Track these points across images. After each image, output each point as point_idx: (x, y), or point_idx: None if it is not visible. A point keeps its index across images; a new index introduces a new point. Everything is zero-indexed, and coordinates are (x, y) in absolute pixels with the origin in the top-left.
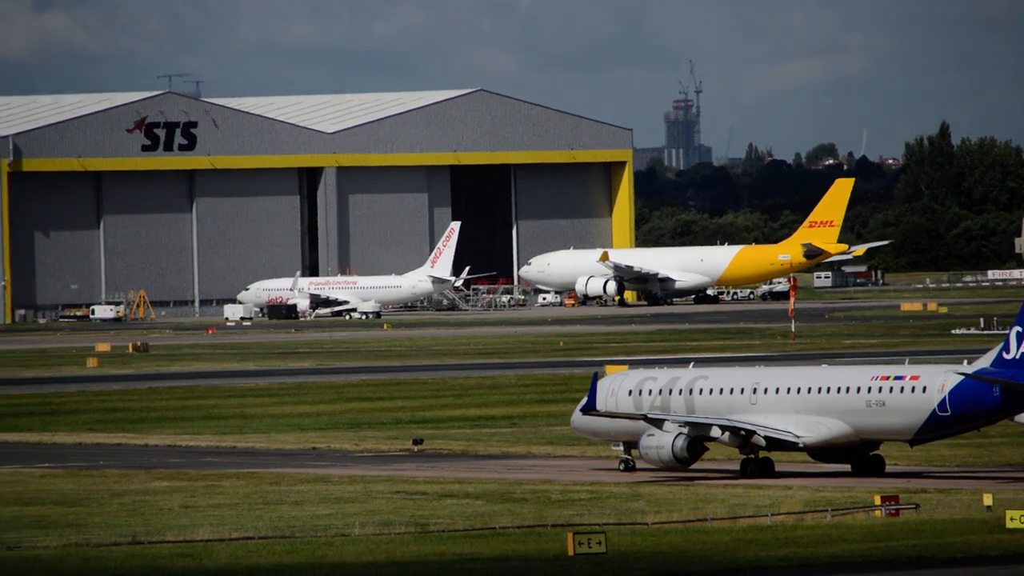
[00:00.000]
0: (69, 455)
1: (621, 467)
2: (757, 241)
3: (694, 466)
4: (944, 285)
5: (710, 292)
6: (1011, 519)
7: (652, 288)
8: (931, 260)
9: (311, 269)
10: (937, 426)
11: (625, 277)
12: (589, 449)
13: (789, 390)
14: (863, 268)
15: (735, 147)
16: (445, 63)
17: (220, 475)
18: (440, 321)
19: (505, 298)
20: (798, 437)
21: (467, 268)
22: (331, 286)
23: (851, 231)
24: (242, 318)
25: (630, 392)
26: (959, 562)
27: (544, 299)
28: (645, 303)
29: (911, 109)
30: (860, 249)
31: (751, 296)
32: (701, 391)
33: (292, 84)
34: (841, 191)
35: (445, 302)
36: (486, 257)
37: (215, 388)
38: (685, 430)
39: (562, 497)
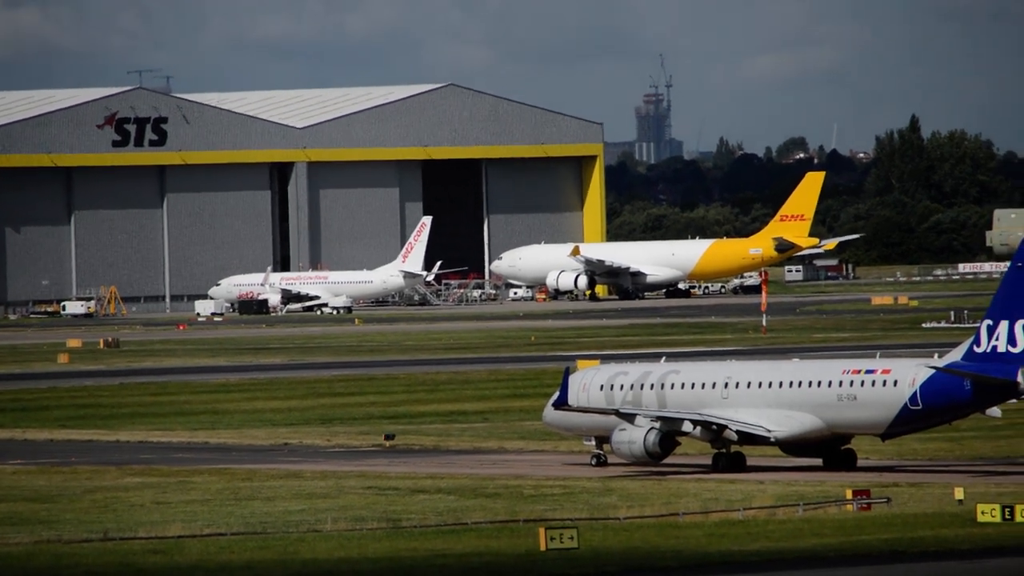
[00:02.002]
0: (40, 451)
1: (593, 462)
2: (728, 235)
3: (666, 461)
4: (915, 279)
5: (681, 286)
6: (982, 513)
7: (623, 282)
8: (902, 254)
9: (282, 264)
10: (909, 420)
11: (596, 272)
12: (561, 444)
13: (761, 384)
14: (834, 262)
15: (706, 141)
16: (416, 57)
17: (192, 471)
18: (412, 316)
19: (476, 293)
20: (770, 431)
21: (438, 263)
22: (302, 281)
23: (822, 225)
24: (213, 313)
25: (602, 387)
26: (931, 556)
27: (515, 294)
28: (616, 297)
29: (881, 103)
30: (831, 243)
31: (722, 290)
32: (673, 386)
33: (263, 79)
34: (812, 185)
35: (416, 297)
36: (457, 252)
37: (187, 384)
38: (657, 425)
39: (534, 492)
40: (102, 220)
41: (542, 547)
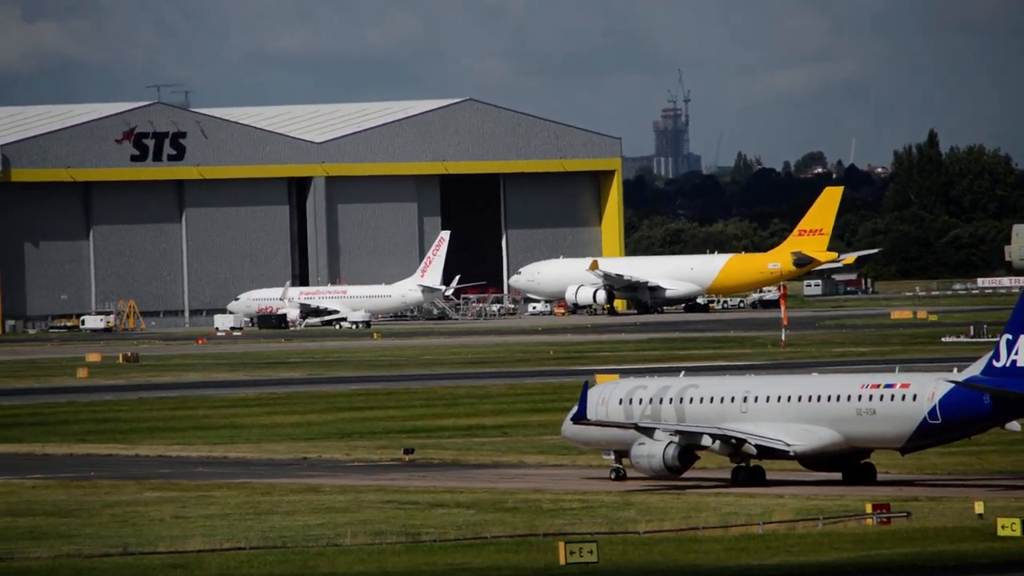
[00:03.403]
0: (60, 466)
1: (612, 476)
2: (747, 249)
3: (685, 475)
4: (934, 293)
5: (700, 301)
6: (1002, 527)
7: (642, 297)
8: (921, 268)
9: (301, 279)
10: (928, 434)
11: (615, 286)
12: (580, 458)
13: (780, 398)
14: (853, 276)
15: (724, 155)
16: (435, 71)
17: (211, 485)
18: (430, 330)
19: (495, 307)
20: (789, 445)
21: (457, 277)
22: (321, 296)
23: (841, 239)
24: (232, 328)
25: (620, 401)
26: (950, 570)
27: (534, 308)
28: (635, 312)
29: (900, 117)
30: (850, 257)
31: (741, 305)
32: (692, 400)
33: (282, 94)
34: (830, 199)
35: (435, 311)
36: (476, 266)
37: (206, 398)
38: (676, 439)
39: (553, 506)
40: (121, 235)
41: (561, 561)
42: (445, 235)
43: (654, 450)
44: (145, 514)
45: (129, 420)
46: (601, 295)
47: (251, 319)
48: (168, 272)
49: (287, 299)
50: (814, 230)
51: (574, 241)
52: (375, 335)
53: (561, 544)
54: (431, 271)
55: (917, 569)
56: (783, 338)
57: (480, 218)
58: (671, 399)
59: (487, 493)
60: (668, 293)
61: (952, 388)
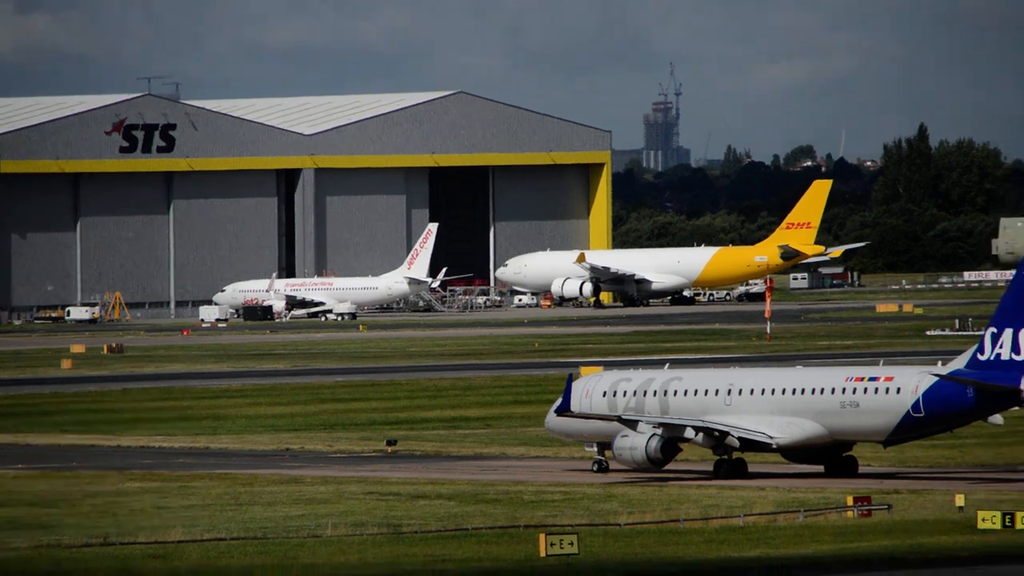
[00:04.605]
0: (42, 456)
1: (595, 468)
2: (734, 242)
3: (667, 467)
4: (920, 286)
5: (686, 293)
6: (983, 520)
7: (628, 289)
8: (908, 262)
9: (288, 271)
10: (911, 427)
11: (601, 278)
12: (563, 450)
13: (763, 391)
14: (840, 270)
15: (713, 149)
16: (426, 64)
17: (193, 476)
18: (416, 322)
19: (481, 299)
20: (772, 438)
21: (444, 269)
22: (307, 287)
23: (828, 232)
24: (217, 319)
25: (604, 393)
26: (931, 563)
27: (520, 300)
28: (621, 304)
29: (889, 111)
30: (837, 251)
31: (727, 297)
32: (676, 392)
33: (272, 86)
34: (818, 193)
35: (421, 303)
36: (463, 258)
37: (189, 389)
38: (659, 431)
39: (535, 498)
40: (108, 226)
41: (542, 553)
42: (433, 227)
43: (637, 442)
44: (126, 504)
45: (113, 411)
46: (588, 288)
47: (237, 311)
48: (154, 264)
49: (273, 291)
50: (802, 223)
51: (562, 234)
52: (361, 327)
53: (542, 536)
54: (418, 263)
55: (898, 561)
56: (768, 331)
57: (468, 210)
58: (655, 392)
59: (469, 485)
60: (654, 286)
61: (936, 382)
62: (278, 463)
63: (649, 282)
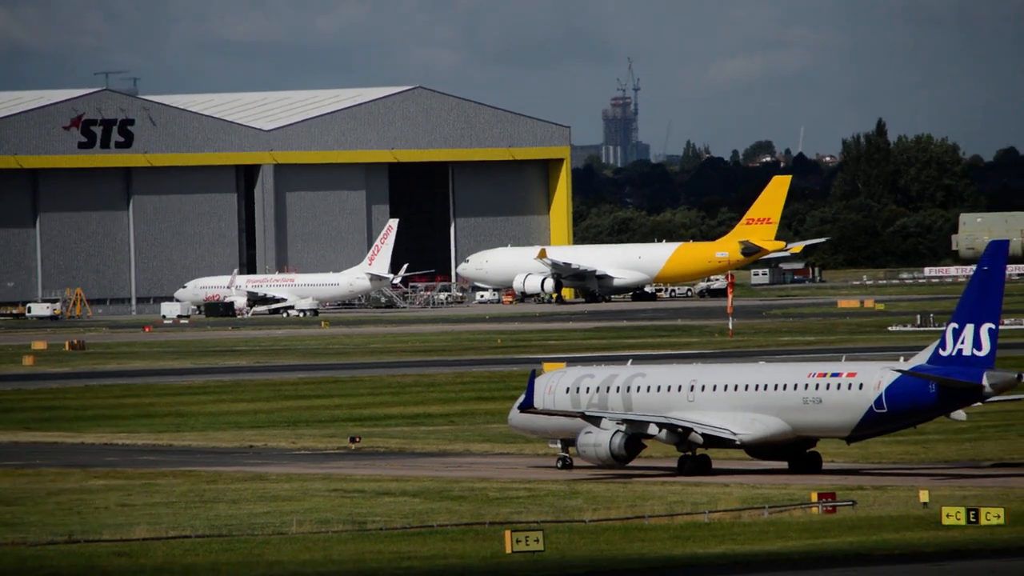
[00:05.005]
0: (5, 454)
1: (559, 465)
2: (695, 238)
3: (632, 464)
4: (881, 282)
5: (648, 289)
6: (947, 516)
7: (590, 285)
8: (868, 257)
9: (249, 267)
10: (874, 423)
11: (563, 275)
12: (527, 447)
13: (726, 387)
14: (800, 265)
15: (673, 144)
16: (385, 59)
17: (157, 473)
18: (378, 319)
19: (443, 296)
20: (735, 434)
21: (405, 265)
22: (269, 284)
23: (788, 228)
24: (179, 316)
25: (567, 390)
26: (896, 559)
27: (482, 296)
28: (583, 300)
29: (848, 106)
30: (797, 246)
31: (689, 293)
32: (639, 388)
33: (231, 81)
34: (778, 188)
35: (383, 300)
36: (424, 254)
37: (152, 386)
38: (623, 428)
39: (500, 495)
40: (68, 222)
41: (508, 550)
42: (393, 223)
43: (600, 439)
44: (90, 502)
45: (75, 408)
46: (549, 283)
47: (198, 307)
48: (115, 260)
49: (235, 287)
50: (762, 219)
51: (522, 229)
52: (323, 323)
53: (507, 532)
54: (379, 259)
55: (862, 558)
56: (730, 327)
57: (429, 206)
58: (618, 388)
59: (433, 481)
60: (616, 282)
61: (898, 377)
62: (242, 460)
63: (611, 278)
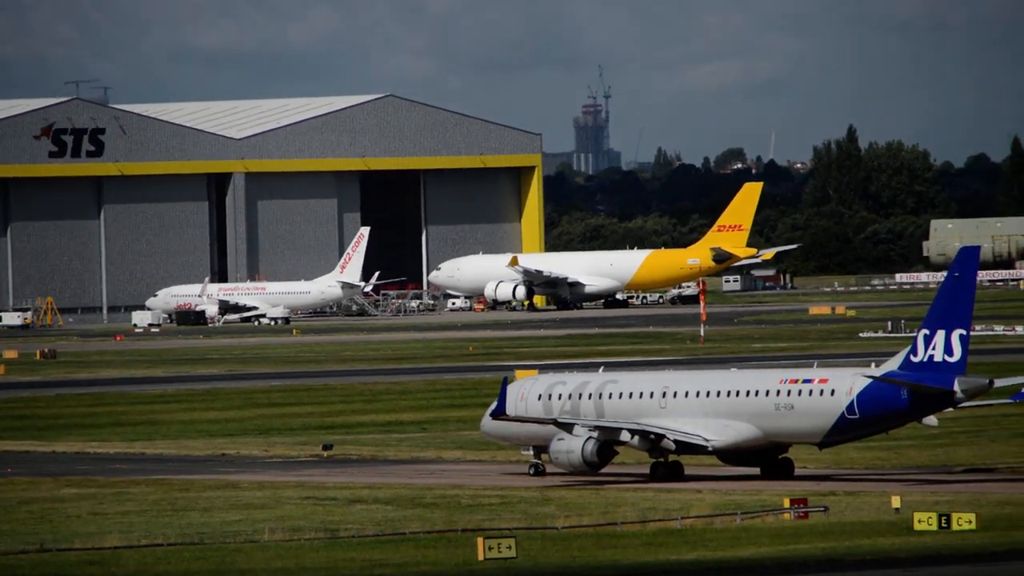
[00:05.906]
0: None
1: (531, 472)
2: (666, 245)
3: (604, 470)
4: (852, 288)
5: (619, 296)
6: (919, 521)
7: (561, 293)
8: (839, 264)
9: (220, 275)
10: (846, 429)
11: (534, 282)
12: (499, 454)
13: (698, 394)
14: (772, 272)
15: (644, 152)
16: (356, 67)
17: (129, 482)
18: (350, 327)
19: (415, 303)
20: (707, 440)
21: (376, 273)
22: (240, 292)
23: (760, 235)
24: (150, 324)
25: (540, 397)
26: (868, 564)
27: (454, 304)
28: (555, 308)
29: (819, 113)
30: (769, 253)
31: (660, 300)
32: (611, 395)
33: (202, 90)
34: (750, 195)
35: (355, 308)
36: (396, 262)
37: (123, 395)
38: (595, 434)
39: (472, 502)
40: (39, 231)
41: (480, 557)
42: (365, 231)
43: (573, 446)
44: (62, 511)
45: (46, 416)
46: (521, 291)
47: (170, 315)
48: (86, 268)
49: (206, 295)
50: (733, 226)
51: (494, 237)
52: (294, 331)
53: (480, 540)
54: (351, 267)
55: (834, 563)
56: (702, 334)
57: (400, 214)
58: (590, 395)
59: (406, 489)
60: (587, 289)
61: (870, 383)
62: (214, 468)
63: (582, 285)
